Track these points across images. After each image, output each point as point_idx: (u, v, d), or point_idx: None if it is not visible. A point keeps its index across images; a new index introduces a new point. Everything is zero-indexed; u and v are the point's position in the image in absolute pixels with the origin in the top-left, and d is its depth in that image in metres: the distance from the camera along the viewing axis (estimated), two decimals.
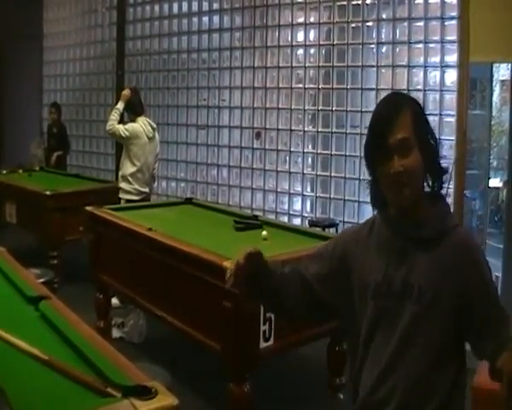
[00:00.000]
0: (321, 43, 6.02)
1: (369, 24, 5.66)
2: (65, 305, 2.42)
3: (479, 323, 1.66)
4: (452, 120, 5.11)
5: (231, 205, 6.73)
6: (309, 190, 6.20)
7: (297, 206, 6.30)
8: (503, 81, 6.98)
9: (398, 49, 5.46)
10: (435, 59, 5.24)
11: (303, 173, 6.18)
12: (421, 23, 5.29)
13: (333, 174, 5.93)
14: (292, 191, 6.32)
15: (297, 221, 6.16)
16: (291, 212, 6.32)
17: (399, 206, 1.71)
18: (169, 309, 3.64)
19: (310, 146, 6.17)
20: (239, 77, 6.80)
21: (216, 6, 7.09)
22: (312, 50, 6.13)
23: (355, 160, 5.71)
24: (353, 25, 5.73)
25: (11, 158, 9.50)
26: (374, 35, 5.63)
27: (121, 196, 5.78)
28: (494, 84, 6.63)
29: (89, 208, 4.62)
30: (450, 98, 5.15)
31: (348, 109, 5.79)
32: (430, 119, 5.44)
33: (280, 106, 6.40)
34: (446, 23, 5.14)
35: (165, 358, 4.25)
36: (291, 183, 6.31)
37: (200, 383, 4.13)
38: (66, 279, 5.54)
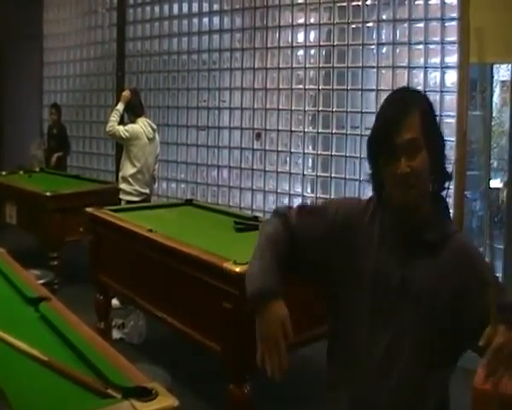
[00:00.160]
0: (321, 44, 6.01)
1: (370, 25, 5.65)
2: (65, 306, 2.42)
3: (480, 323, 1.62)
4: (452, 120, 5.11)
5: (231, 206, 6.72)
6: (309, 190, 6.19)
7: None
8: (503, 82, 6.97)
9: (398, 50, 5.46)
10: (435, 60, 5.24)
11: (303, 174, 6.18)
12: (421, 24, 5.29)
13: (333, 175, 5.92)
14: (292, 192, 6.31)
15: None
16: None
17: (404, 206, 1.67)
18: (169, 310, 3.64)
19: (310, 147, 6.17)
20: (239, 78, 6.80)
21: (216, 7, 7.09)
22: (312, 51, 6.13)
23: (355, 161, 5.71)
24: (353, 26, 5.73)
25: (11, 159, 9.50)
26: (374, 36, 5.63)
27: (121, 197, 5.79)
28: (494, 84, 6.63)
29: (89, 209, 4.63)
30: (451, 99, 5.14)
31: (348, 110, 5.78)
32: None
33: (280, 107, 6.39)
34: (446, 24, 5.13)
35: (166, 359, 4.25)
36: (291, 184, 6.31)
37: (200, 384, 4.13)
38: (66, 280, 5.54)
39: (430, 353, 1.65)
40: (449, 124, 5.15)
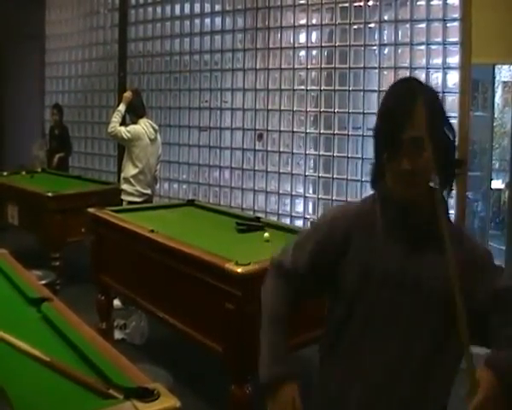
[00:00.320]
0: (323, 44, 6.01)
1: (371, 26, 5.65)
2: (67, 306, 2.43)
3: (490, 303, 1.62)
4: (454, 121, 5.10)
5: (233, 207, 6.72)
6: (311, 191, 6.19)
7: (299, 207, 6.29)
8: (505, 82, 6.98)
9: (400, 51, 5.45)
10: (437, 60, 5.24)
11: (305, 175, 6.18)
12: (423, 25, 5.28)
13: (335, 176, 5.92)
14: (294, 193, 6.31)
15: (299, 223, 6.16)
16: (293, 213, 6.32)
17: (405, 201, 1.65)
18: (171, 311, 3.64)
19: (312, 148, 6.16)
20: (241, 79, 6.80)
21: (218, 8, 7.09)
22: (314, 52, 6.13)
23: (357, 161, 5.70)
24: (355, 26, 5.72)
25: (13, 159, 9.52)
26: (376, 37, 5.63)
27: (123, 197, 5.79)
28: (496, 85, 6.63)
29: (91, 210, 4.63)
30: (453, 100, 5.14)
31: (350, 111, 5.78)
32: None
33: (282, 108, 6.39)
34: (448, 25, 5.13)
35: (167, 359, 4.25)
36: (293, 184, 6.31)
37: (201, 385, 4.13)
38: (67, 281, 5.54)
39: (442, 348, 1.64)
40: None
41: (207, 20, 7.23)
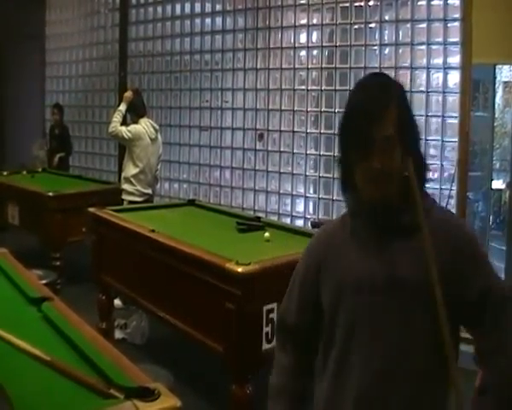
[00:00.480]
0: (323, 44, 6.01)
1: (372, 25, 5.65)
2: (67, 306, 2.43)
3: (478, 304, 1.57)
4: (455, 121, 5.11)
5: (234, 206, 6.72)
6: (311, 191, 6.19)
7: (299, 207, 6.29)
8: (505, 83, 6.97)
9: (400, 51, 5.46)
10: (438, 61, 5.24)
11: (305, 175, 6.18)
12: (424, 25, 5.29)
13: (335, 176, 5.91)
14: (294, 193, 6.31)
15: (299, 223, 6.16)
16: (293, 213, 6.32)
17: (375, 201, 1.58)
18: (171, 310, 3.64)
19: (312, 148, 6.16)
20: (241, 78, 6.80)
21: (219, 7, 7.09)
22: (315, 52, 6.13)
23: None
24: (356, 26, 5.73)
25: (13, 159, 9.53)
26: (376, 36, 5.63)
27: (124, 197, 5.79)
28: (497, 85, 6.62)
29: (91, 210, 4.63)
30: (453, 100, 5.14)
31: None
32: (433, 121, 5.41)
33: (283, 107, 6.40)
34: (449, 25, 5.13)
35: (168, 359, 4.25)
36: (293, 184, 6.31)
37: (202, 385, 4.14)
38: (68, 280, 5.54)
39: (430, 348, 1.57)
40: (451, 125, 5.16)
41: (208, 20, 7.23)
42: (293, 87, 6.29)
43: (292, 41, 6.29)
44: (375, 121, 1.52)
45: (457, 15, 5.05)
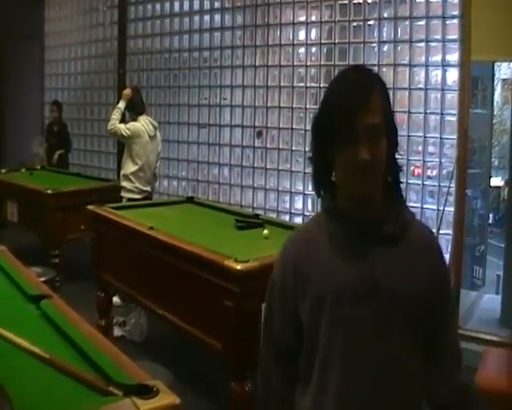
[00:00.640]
0: (322, 41, 6.01)
1: (371, 23, 5.65)
2: (66, 303, 2.43)
3: (438, 331, 1.59)
4: (454, 118, 5.11)
5: (232, 204, 6.73)
6: (310, 188, 6.18)
7: (298, 204, 6.29)
8: (504, 80, 6.98)
9: (399, 48, 5.45)
10: (437, 58, 5.24)
11: (304, 172, 6.17)
12: (422, 22, 5.28)
13: None
14: (293, 190, 6.32)
15: (298, 220, 6.16)
16: (292, 210, 6.32)
17: (357, 196, 1.52)
18: (170, 308, 3.64)
19: None
20: (240, 75, 6.80)
21: (217, 4, 7.08)
22: (314, 49, 6.13)
23: None
24: (355, 23, 5.72)
25: (12, 157, 9.52)
26: (375, 34, 5.62)
27: (123, 194, 5.80)
28: (496, 82, 6.63)
29: (90, 207, 4.63)
30: (452, 97, 5.14)
31: None
32: (432, 118, 5.40)
33: (281, 105, 6.39)
34: (448, 22, 5.13)
35: (167, 356, 4.26)
36: (292, 182, 6.31)
37: (201, 382, 4.14)
38: (67, 278, 5.54)
39: (413, 358, 1.55)
40: (450, 122, 5.16)
41: (207, 17, 7.23)
42: (291, 84, 6.29)
43: (290, 38, 6.29)
44: (360, 109, 1.45)
45: (456, 12, 5.05)
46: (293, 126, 6.27)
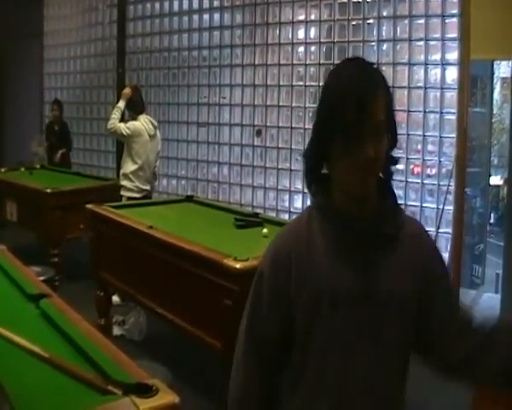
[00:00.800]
0: (321, 40, 6.01)
1: (370, 21, 5.65)
2: (65, 303, 2.43)
3: (443, 312, 1.53)
4: (453, 117, 5.12)
5: (232, 203, 6.73)
6: None
7: (298, 203, 6.30)
8: (503, 79, 6.98)
9: (398, 47, 5.46)
10: (436, 56, 5.24)
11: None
12: (421, 20, 5.29)
13: None
14: (293, 189, 6.32)
15: None
16: (292, 209, 6.33)
17: (357, 194, 1.46)
18: (170, 307, 3.64)
19: None
20: (239, 74, 6.80)
21: (216, 3, 7.08)
22: (313, 48, 6.13)
23: None
24: (354, 22, 5.73)
25: (12, 156, 9.51)
26: (374, 33, 5.63)
27: (123, 193, 5.80)
28: (495, 81, 6.63)
29: (89, 206, 4.62)
30: (451, 96, 5.15)
31: None
32: (431, 116, 5.41)
33: (281, 104, 6.40)
34: (447, 20, 5.14)
35: (166, 355, 4.26)
36: (292, 180, 6.32)
37: (200, 381, 4.14)
38: (66, 277, 5.54)
39: (404, 357, 1.55)
40: (449, 121, 5.16)
41: (206, 16, 7.23)
42: (291, 83, 6.30)
43: (290, 37, 6.29)
44: (369, 107, 1.40)
45: (455, 11, 5.05)
46: (293, 125, 6.28)
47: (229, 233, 4.06)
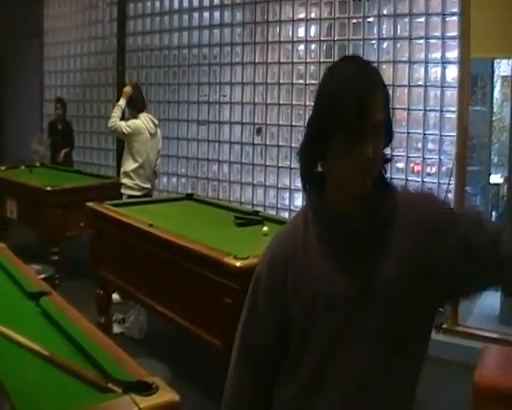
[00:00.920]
0: (322, 38, 6.00)
1: (370, 20, 5.64)
2: (65, 301, 2.43)
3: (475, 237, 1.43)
4: (453, 116, 5.11)
5: (232, 201, 6.72)
6: None
7: (298, 201, 6.29)
8: (504, 77, 6.97)
9: (399, 45, 5.45)
10: (436, 55, 5.23)
11: None
12: (422, 19, 5.28)
13: None
14: (293, 187, 6.32)
15: None
16: (292, 207, 6.32)
17: (355, 194, 1.45)
18: (170, 305, 3.64)
19: None
20: (240, 72, 6.79)
21: (217, 1, 7.07)
22: (313, 46, 6.12)
23: None
24: (354, 20, 5.72)
25: (12, 154, 9.51)
26: (375, 31, 5.62)
27: (123, 191, 5.80)
28: (495, 80, 6.62)
29: (90, 204, 4.63)
30: (451, 94, 5.14)
31: None
32: (431, 115, 5.40)
33: (281, 102, 6.39)
34: (447, 19, 5.13)
35: (166, 354, 4.26)
36: (292, 178, 6.31)
37: (200, 379, 4.14)
38: (66, 275, 5.55)
39: (413, 351, 1.51)
40: (450, 119, 5.16)
41: (206, 14, 7.22)
42: (291, 81, 6.29)
43: (290, 35, 6.28)
44: (370, 105, 1.38)
45: (456, 9, 5.04)
46: (293, 123, 6.27)
47: (229, 231, 4.07)
